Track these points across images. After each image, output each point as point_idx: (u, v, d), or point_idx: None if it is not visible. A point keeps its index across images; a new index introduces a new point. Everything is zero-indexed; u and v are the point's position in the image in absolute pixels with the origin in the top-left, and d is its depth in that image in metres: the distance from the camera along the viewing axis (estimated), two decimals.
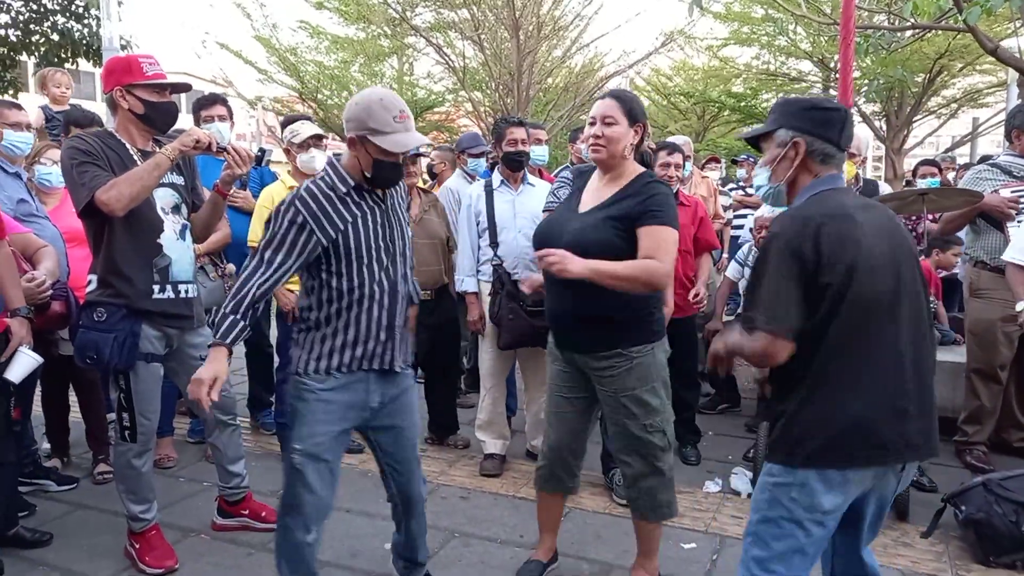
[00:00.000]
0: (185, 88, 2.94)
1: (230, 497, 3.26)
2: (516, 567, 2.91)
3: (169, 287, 2.86)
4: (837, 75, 4.20)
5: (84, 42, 9.91)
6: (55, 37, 9.95)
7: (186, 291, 2.93)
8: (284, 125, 4.23)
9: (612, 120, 2.52)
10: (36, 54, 10.05)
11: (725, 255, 6.30)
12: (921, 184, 5.82)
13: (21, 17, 9.99)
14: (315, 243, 2.23)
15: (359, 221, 2.29)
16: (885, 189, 5.16)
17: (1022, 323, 3.34)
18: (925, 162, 6.48)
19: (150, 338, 2.83)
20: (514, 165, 3.90)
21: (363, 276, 2.30)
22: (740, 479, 3.78)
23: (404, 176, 2.44)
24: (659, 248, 2.42)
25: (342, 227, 2.26)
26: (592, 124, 2.54)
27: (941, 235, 4.76)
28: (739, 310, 4.70)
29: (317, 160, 3.94)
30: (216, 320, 2.30)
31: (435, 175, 6.03)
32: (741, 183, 8.03)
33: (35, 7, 9.97)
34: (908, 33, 8.11)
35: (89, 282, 2.83)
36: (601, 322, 2.51)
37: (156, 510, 3.03)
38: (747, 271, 4.85)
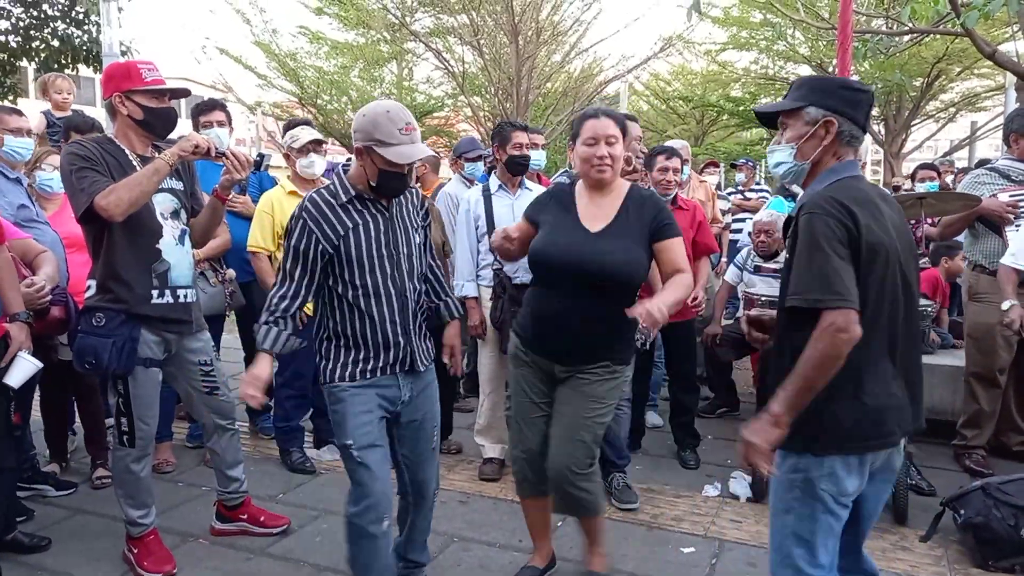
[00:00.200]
0: (184, 93, 2.95)
1: (229, 502, 3.26)
2: (515, 571, 2.91)
3: (168, 292, 2.86)
4: None
5: (84, 48, 9.92)
6: (55, 43, 9.95)
7: (185, 296, 2.93)
8: (286, 130, 4.26)
9: (615, 139, 2.57)
10: (36, 60, 10.06)
11: (724, 259, 6.31)
12: (920, 188, 5.83)
13: (21, 23, 10.01)
14: (321, 249, 2.35)
15: (359, 229, 2.39)
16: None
17: (1009, 322, 3.39)
18: (923, 166, 6.50)
19: (149, 343, 2.84)
20: (518, 169, 3.91)
21: (365, 282, 2.39)
22: (739, 483, 3.78)
23: (410, 185, 2.50)
24: (682, 258, 2.57)
25: (342, 233, 2.36)
26: (593, 144, 2.54)
27: (940, 239, 4.77)
28: (737, 313, 4.71)
29: (316, 165, 3.95)
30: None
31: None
32: (739, 187, 8.05)
33: (35, 13, 9.98)
34: (906, 37, 8.14)
35: (88, 287, 2.83)
36: (600, 338, 2.57)
37: (154, 515, 3.02)
38: (746, 275, 4.87)
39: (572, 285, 2.52)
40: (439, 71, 14.67)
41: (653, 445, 4.43)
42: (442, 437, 4.36)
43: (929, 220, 4.96)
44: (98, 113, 3.30)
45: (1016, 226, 3.85)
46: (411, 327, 2.49)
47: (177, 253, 2.90)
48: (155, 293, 2.82)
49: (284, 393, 4.05)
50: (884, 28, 7.29)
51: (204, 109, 4.13)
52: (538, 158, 5.12)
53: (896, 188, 8.10)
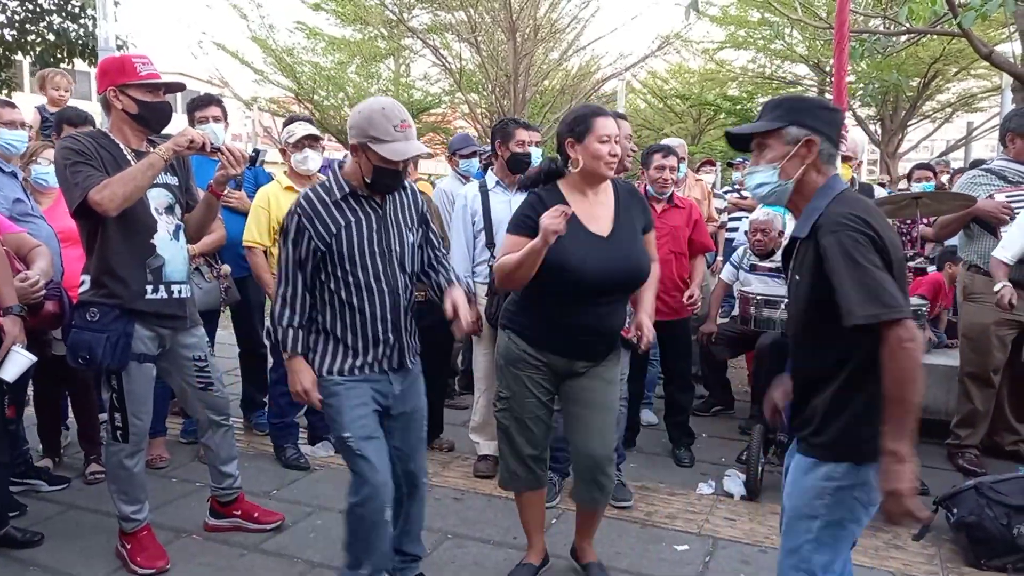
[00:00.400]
0: (179, 88, 2.94)
1: (223, 498, 3.25)
2: (510, 568, 2.91)
3: (162, 287, 2.85)
4: (832, 79, 4.21)
5: (80, 42, 9.88)
6: (51, 37, 9.91)
7: (179, 291, 2.92)
8: (286, 125, 4.26)
9: (619, 138, 2.62)
10: (32, 54, 10.02)
11: (720, 258, 6.31)
12: (916, 188, 5.84)
13: (17, 17, 9.95)
14: (314, 246, 2.36)
15: (352, 226, 2.40)
16: (880, 194, 5.18)
17: (999, 298, 3.56)
18: (920, 166, 6.51)
19: (143, 338, 2.83)
20: (519, 166, 3.90)
21: (358, 279, 2.41)
22: (733, 481, 3.78)
23: (404, 182, 2.50)
24: (654, 248, 2.75)
25: (335, 230, 2.37)
26: (607, 141, 2.54)
27: (935, 240, 4.79)
28: (733, 312, 4.72)
29: (311, 160, 3.94)
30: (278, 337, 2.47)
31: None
32: (736, 186, 8.05)
33: (31, 7, 9.94)
34: (903, 37, 8.14)
35: (82, 282, 2.82)
36: (619, 330, 2.72)
37: (148, 510, 3.02)
38: (742, 274, 4.87)
39: (595, 292, 2.55)
40: (436, 68, 14.67)
41: (648, 443, 4.43)
42: (434, 435, 4.36)
43: (925, 220, 4.97)
44: (94, 108, 3.28)
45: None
46: (401, 324, 2.51)
47: (172, 248, 2.89)
48: (149, 288, 2.81)
49: (279, 390, 4.04)
50: (881, 28, 7.30)
51: (200, 104, 4.12)
52: (535, 156, 5.12)
53: (878, 185, 8.09)
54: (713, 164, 8.32)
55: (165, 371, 3.02)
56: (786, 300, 4.02)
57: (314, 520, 3.40)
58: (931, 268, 5.19)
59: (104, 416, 2.94)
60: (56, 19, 9.99)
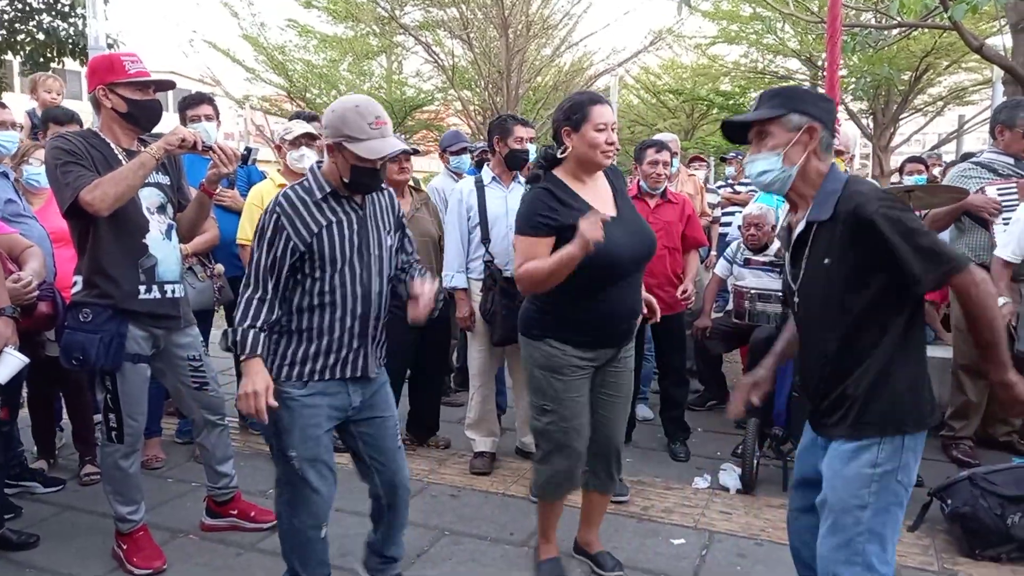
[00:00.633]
0: (169, 86, 2.92)
1: (219, 497, 3.25)
2: (507, 565, 2.92)
3: (155, 287, 2.84)
4: (824, 73, 4.21)
5: (70, 41, 9.83)
6: (40, 36, 9.86)
7: (173, 291, 2.91)
8: (291, 120, 4.28)
9: (615, 126, 2.62)
10: (21, 53, 9.97)
11: (713, 253, 6.32)
12: (908, 181, 5.86)
13: (6, 16, 9.89)
14: (292, 247, 2.27)
15: (333, 227, 2.32)
16: None
17: (1008, 319, 3.40)
18: (911, 159, 6.53)
19: (137, 339, 2.82)
20: (518, 163, 3.89)
21: (334, 282, 2.32)
22: (729, 475, 3.79)
23: (385, 181, 2.45)
24: None
25: (316, 230, 2.29)
26: (604, 129, 2.55)
27: None
28: (727, 306, 4.73)
29: (306, 159, 3.93)
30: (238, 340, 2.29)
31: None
32: (730, 181, 8.05)
33: (20, 6, 9.88)
34: (895, 31, 8.17)
35: (75, 283, 2.81)
36: (640, 307, 2.77)
37: (144, 511, 3.01)
38: (735, 268, 4.88)
39: (622, 272, 2.57)
40: (429, 65, 14.66)
41: (643, 438, 4.44)
42: (430, 434, 4.35)
43: (916, 213, 4.98)
44: (84, 107, 3.27)
45: (1004, 220, 3.87)
46: (368, 331, 2.41)
47: (164, 248, 2.88)
48: (142, 288, 2.80)
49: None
50: (873, 22, 7.32)
51: (191, 103, 4.10)
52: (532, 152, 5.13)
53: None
54: (703, 160, 8.25)
55: (160, 371, 3.01)
56: (781, 293, 4.06)
57: None
58: None
59: (99, 417, 2.93)
60: (46, 18, 9.94)
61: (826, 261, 1.90)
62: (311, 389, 2.36)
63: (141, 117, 2.82)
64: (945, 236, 4.56)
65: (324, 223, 2.31)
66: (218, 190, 3.10)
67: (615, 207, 2.66)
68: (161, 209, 2.90)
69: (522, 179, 4.05)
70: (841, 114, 9.57)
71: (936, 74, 14.69)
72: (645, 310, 2.79)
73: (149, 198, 2.85)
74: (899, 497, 1.90)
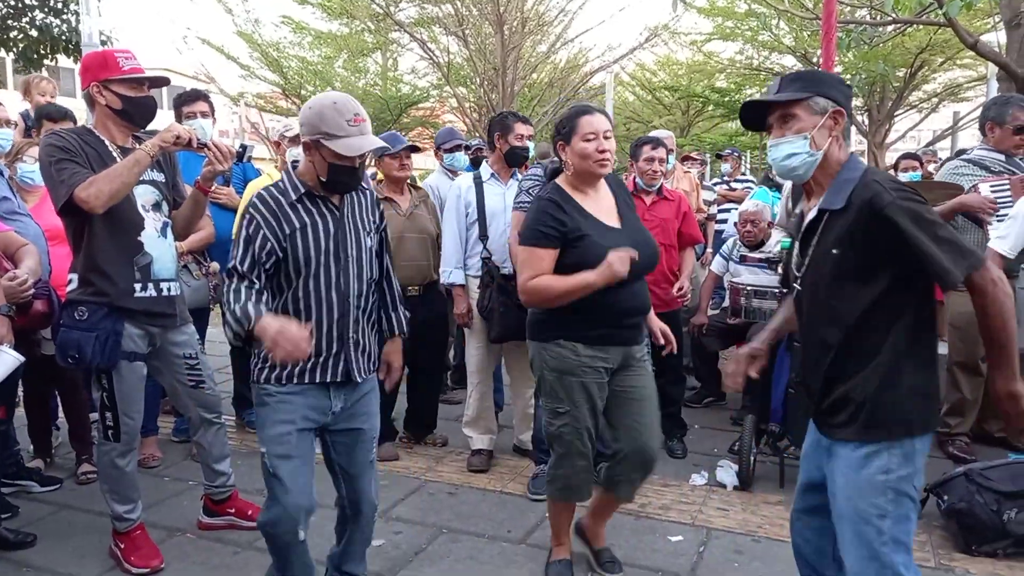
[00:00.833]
0: (163, 82, 2.90)
1: (216, 496, 3.24)
2: (504, 562, 2.93)
3: (151, 285, 2.83)
4: (820, 70, 4.21)
5: (63, 38, 9.77)
6: (34, 33, 9.80)
7: (168, 289, 2.90)
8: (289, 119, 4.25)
9: (609, 133, 2.60)
10: (15, 50, 9.91)
11: (709, 250, 6.33)
12: (902, 178, 5.87)
13: None
14: (270, 248, 2.23)
15: (308, 229, 2.27)
16: None
17: None
18: (906, 156, 6.54)
19: (133, 337, 2.81)
20: (518, 160, 3.89)
21: (308, 287, 2.28)
22: (726, 472, 3.80)
23: (361, 181, 2.38)
24: None
25: (289, 232, 2.24)
26: (593, 139, 2.54)
27: None
28: (724, 303, 4.73)
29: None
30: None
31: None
32: (725, 178, 8.06)
33: (13, 2, 9.82)
34: (889, 28, 8.19)
35: (70, 281, 2.80)
36: (648, 306, 2.78)
37: (141, 510, 3.01)
38: (731, 265, 4.89)
39: (626, 283, 2.52)
40: (424, 61, 14.62)
41: None
42: (427, 432, 4.35)
43: None
44: (78, 104, 3.25)
45: (999, 217, 3.87)
46: (348, 335, 2.35)
47: (159, 246, 2.87)
48: (138, 286, 2.79)
49: None
50: (868, 18, 7.32)
51: (187, 99, 4.08)
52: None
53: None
54: (694, 159, 8.20)
55: (156, 370, 3.00)
56: (777, 290, 4.07)
57: None
58: None
59: (95, 415, 2.92)
60: (39, 15, 9.88)
61: (834, 251, 1.86)
62: (291, 388, 2.32)
63: (135, 114, 2.80)
64: None
65: (298, 225, 2.25)
66: (213, 187, 3.09)
67: (618, 218, 2.66)
68: (156, 206, 2.89)
69: (519, 175, 4.05)
70: None
71: (931, 71, 14.69)
72: (660, 340, 2.82)
73: (144, 195, 2.83)
74: (915, 500, 1.88)
